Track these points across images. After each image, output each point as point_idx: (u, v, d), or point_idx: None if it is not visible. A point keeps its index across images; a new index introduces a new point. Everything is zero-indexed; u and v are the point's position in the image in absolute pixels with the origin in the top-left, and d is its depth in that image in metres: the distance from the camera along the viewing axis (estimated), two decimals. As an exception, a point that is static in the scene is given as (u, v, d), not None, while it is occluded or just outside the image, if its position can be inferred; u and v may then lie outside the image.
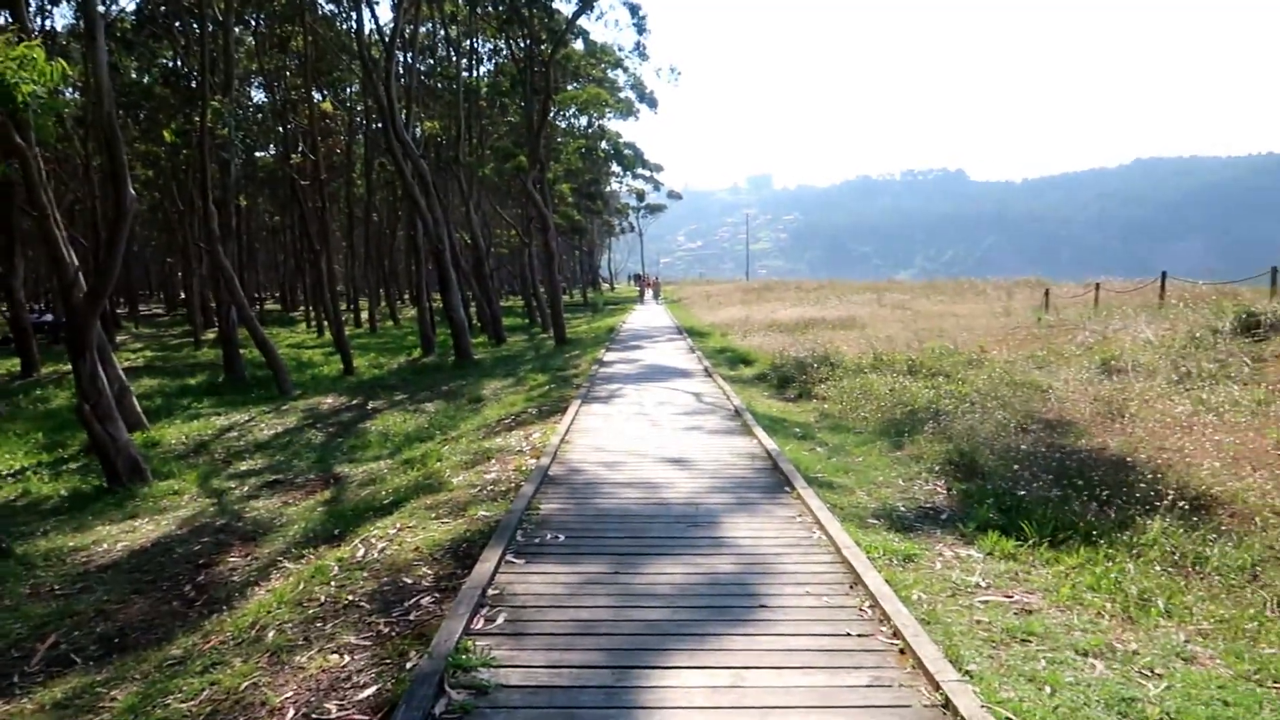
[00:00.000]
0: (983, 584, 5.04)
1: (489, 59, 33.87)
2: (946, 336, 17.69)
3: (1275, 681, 3.74)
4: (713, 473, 7.86)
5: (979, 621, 4.45)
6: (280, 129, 31.13)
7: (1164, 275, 18.04)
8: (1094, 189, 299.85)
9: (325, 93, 32.24)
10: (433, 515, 6.80)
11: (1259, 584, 4.79)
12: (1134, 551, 5.33)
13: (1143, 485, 6.30)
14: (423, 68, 31.40)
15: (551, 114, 33.04)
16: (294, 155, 28.96)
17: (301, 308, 48.56)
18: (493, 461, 8.72)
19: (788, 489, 7.16)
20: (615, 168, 55.05)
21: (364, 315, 41.35)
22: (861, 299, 32.03)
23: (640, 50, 32.25)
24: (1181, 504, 5.90)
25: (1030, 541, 5.68)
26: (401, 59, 25.65)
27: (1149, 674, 3.83)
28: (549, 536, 5.95)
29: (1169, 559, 5.19)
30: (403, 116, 21.67)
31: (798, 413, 11.56)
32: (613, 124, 47.49)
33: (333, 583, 5.43)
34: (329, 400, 17.05)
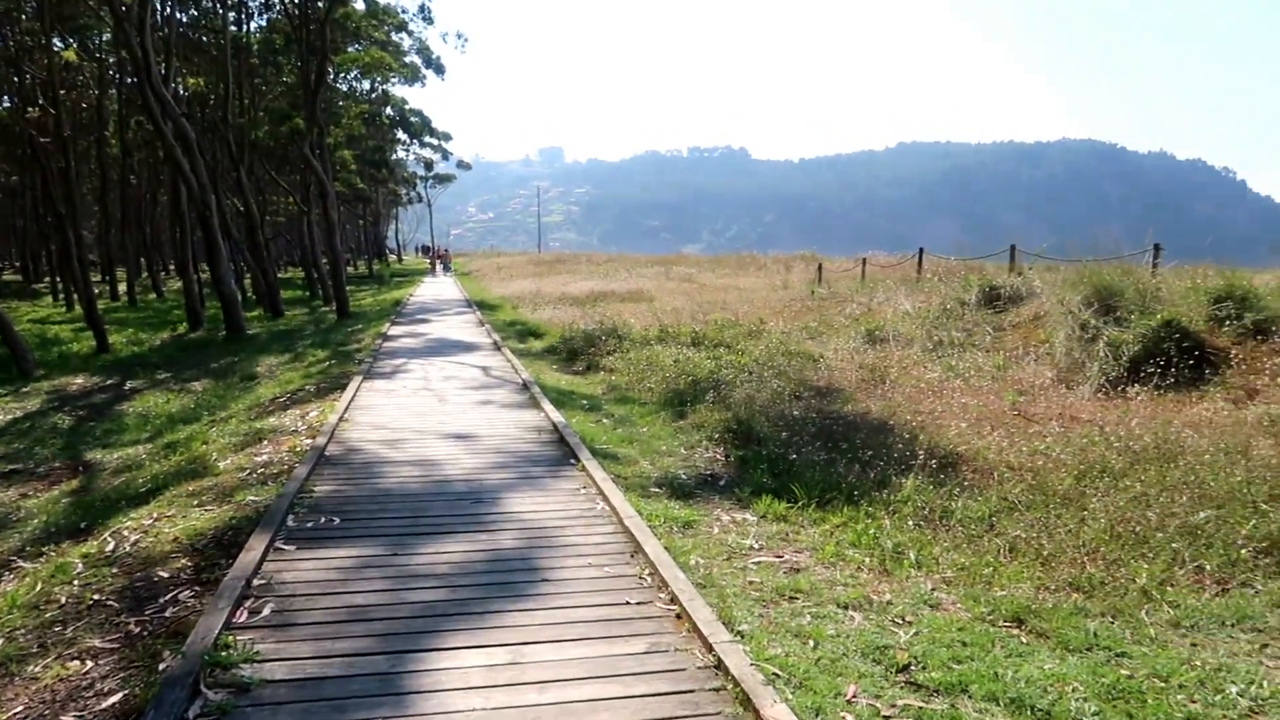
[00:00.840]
0: (756, 546, 5.26)
1: (260, 14, 31.67)
2: (729, 309, 18.40)
3: (1005, 621, 4.12)
4: (498, 448, 7.77)
5: (751, 582, 4.64)
6: (15, 79, 27.78)
7: (921, 251, 19.51)
8: (863, 170, 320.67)
9: (70, 40, 29.05)
10: (195, 502, 6.32)
11: (995, 533, 5.27)
12: (890, 509, 5.73)
13: (899, 446, 6.78)
14: (184, 18, 28.92)
15: (331, 76, 31.38)
16: (31, 109, 25.93)
17: (47, 279, 43.86)
18: (265, 443, 8.22)
19: (573, 461, 7.19)
20: (402, 135, 53.20)
21: (122, 288, 37.83)
22: (650, 272, 32.69)
23: (425, 13, 31.23)
24: (932, 462, 6.40)
25: (800, 503, 5.98)
26: (159, 8, 23.48)
27: (900, 622, 4.12)
28: (323, 520, 5.67)
29: (920, 514, 5.61)
30: (162, 71, 19.85)
31: (586, 385, 11.64)
32: (398, 90, 45.90)
33: (76, 581, 4.93)
34: (79, 381, 15.51)
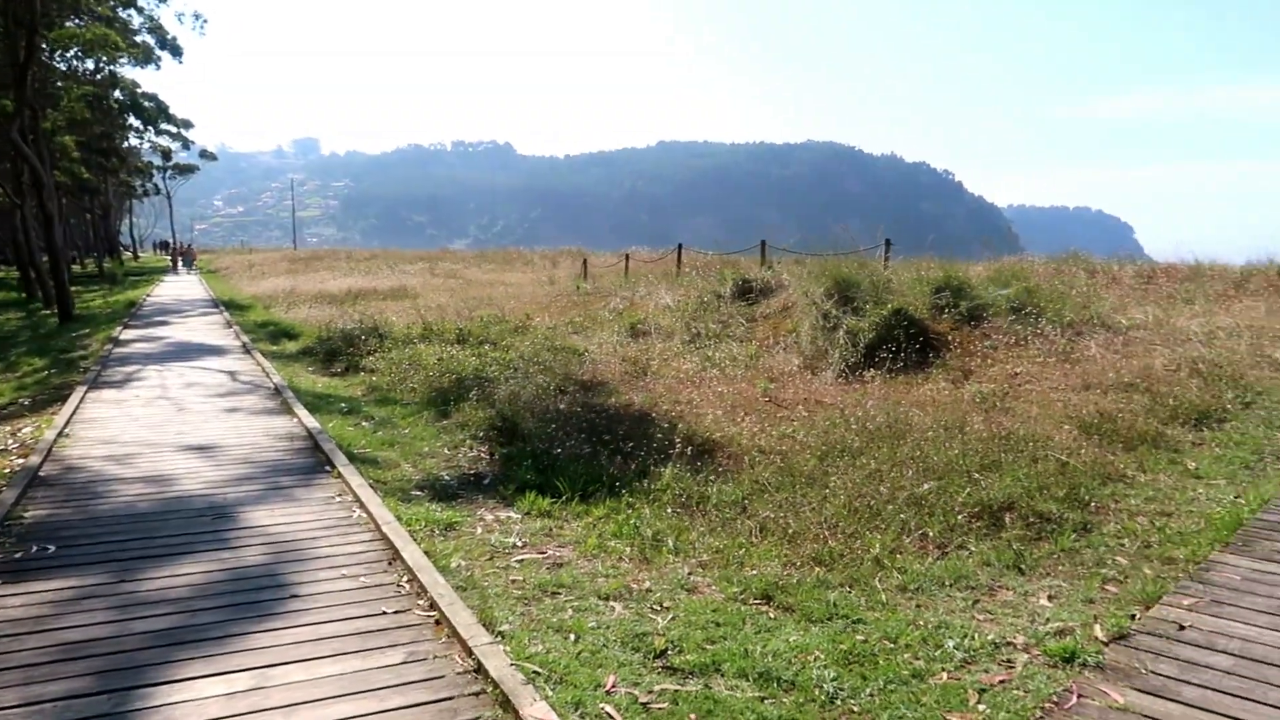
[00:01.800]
0: (520, 544, 5.22)
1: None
2: (495, 305, 18.23)
3: (756, 598, 4.33)
4: (245, 458, 7.27)
5: (514, 581, 4.60)
6: None
7: (680, 247, 20.20)
8: (626, 167, 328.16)
9: None
10: None
11: (747, 515, 5.52)
12: (651, 497, 5.87)
13: (659, 436, 6.97)
14: None
15: (46, 53, 28.17)
16: None
17: None
18: (-38, 466, 7.23)
19: (328, 468, 6.85)
20: (134, 121, 48.54)
21: None
22: (414, 269, 31.84)
23: (155, -11, 28.67)
24: (689, 450, 6.62)
25: (564, 498, 6.00)
26: None
27: (659, 608, 4.23)
28: (34, 549, 5.06)
29: (678, 501, 5.79)
30: None
31: (344, 387, 11.15)
32: (129, 71, 41.78)
33: None
34: None
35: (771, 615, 4.14)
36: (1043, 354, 10.17)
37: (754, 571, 4.65)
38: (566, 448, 6.93)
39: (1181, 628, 3.92)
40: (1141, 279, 18.06)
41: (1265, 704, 3.27)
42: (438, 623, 4.06)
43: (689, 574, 4.69)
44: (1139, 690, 3.38)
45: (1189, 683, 3.44)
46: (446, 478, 6.75)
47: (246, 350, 14.49)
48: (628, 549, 5.05)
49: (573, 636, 3.90)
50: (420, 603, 4.30)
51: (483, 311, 16.63)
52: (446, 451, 7.58)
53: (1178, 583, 4.44)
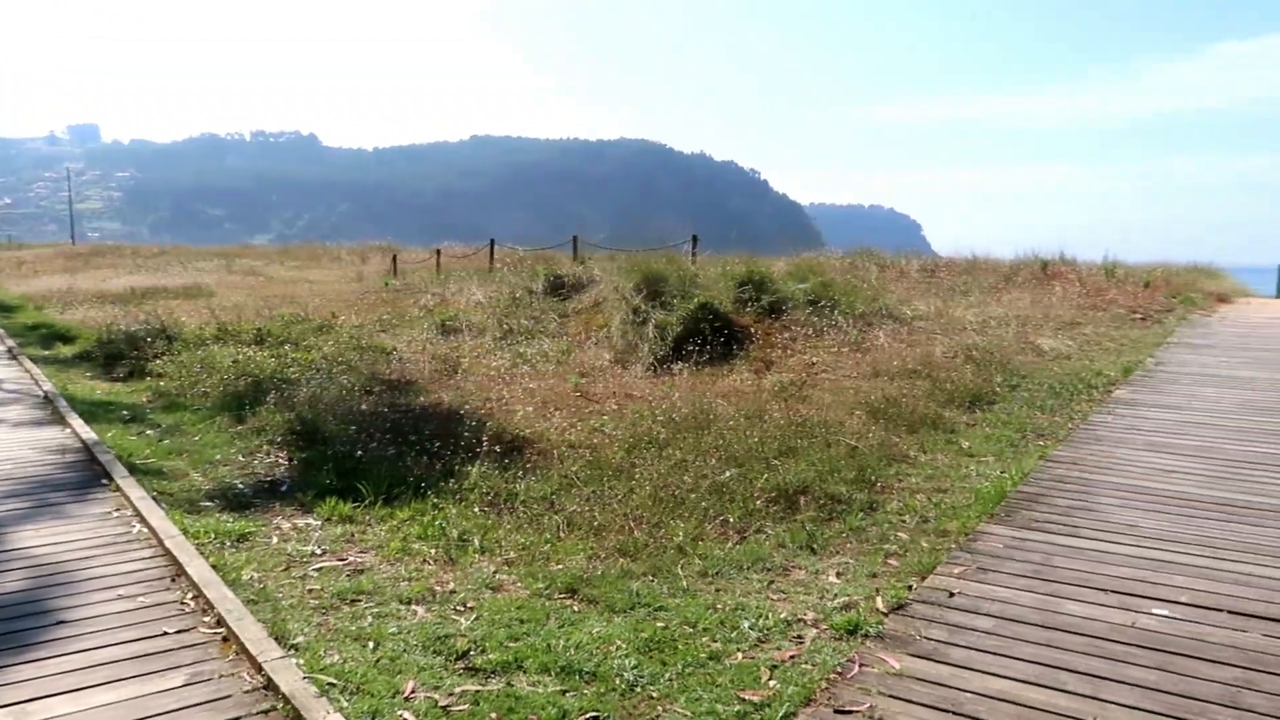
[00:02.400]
0: (318, 551, 5.02)
1: None
2: (298, 303, 17.40)
3: (560, 593, 4.35)
4: (5, 475, 6.62)
5: (311, 590, 4.42)
6: None
7: (492, 242, 20.02)
8: (438, 161, 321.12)
9: None
10: None
11: (555, 510, 5.54)
12: (458, 497, 5.78)
13: (468, 434, 6.87)
14: None
15: None
16: None
17: None
18: None
19: (105, 481, 6.34)
20: None
21: None
22: (210, 265, 29.98)
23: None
24: (497, 448, 6.57)
25: (367, 501, 5.82)
26: None
27: (462, 609, 4.18)
28: None
29: (486, 499, 5.73)
30: None
31: (128, 393, 10.34)
32: None
33: None
34: None
35: (576, 609, 4.17)
36: (837, 344, 10.75)
37: (560, 566, 4.67)
38: (370, 450, 6.71)
39: (951, 595, 4.25)
40: (926, 273, 19.45)
41: (1018, 659, 3.61)
42: (225, 640, 3.84)
43: (494, 572, 4.66)
44: (913, 655, 3.65)
45: (956, 645, 3.74)
46: (240, 486, 6.40)
47: (12, 356, 13.19)
48: (433, 551, 4.96)
49: (372, 644, 3.79)
50: (206, 620, 4.05)
51: (284, 310, 15.83)
52: (241, 458, 7.18)
53: (950, 553, 4.81)
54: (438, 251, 23.90)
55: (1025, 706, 3.25)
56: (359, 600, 4.30)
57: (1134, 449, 7.04)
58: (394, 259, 24.74)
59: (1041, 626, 3.90)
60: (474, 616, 4.08)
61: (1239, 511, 5.50)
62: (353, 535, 5.32)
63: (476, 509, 5.60)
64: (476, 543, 5.05)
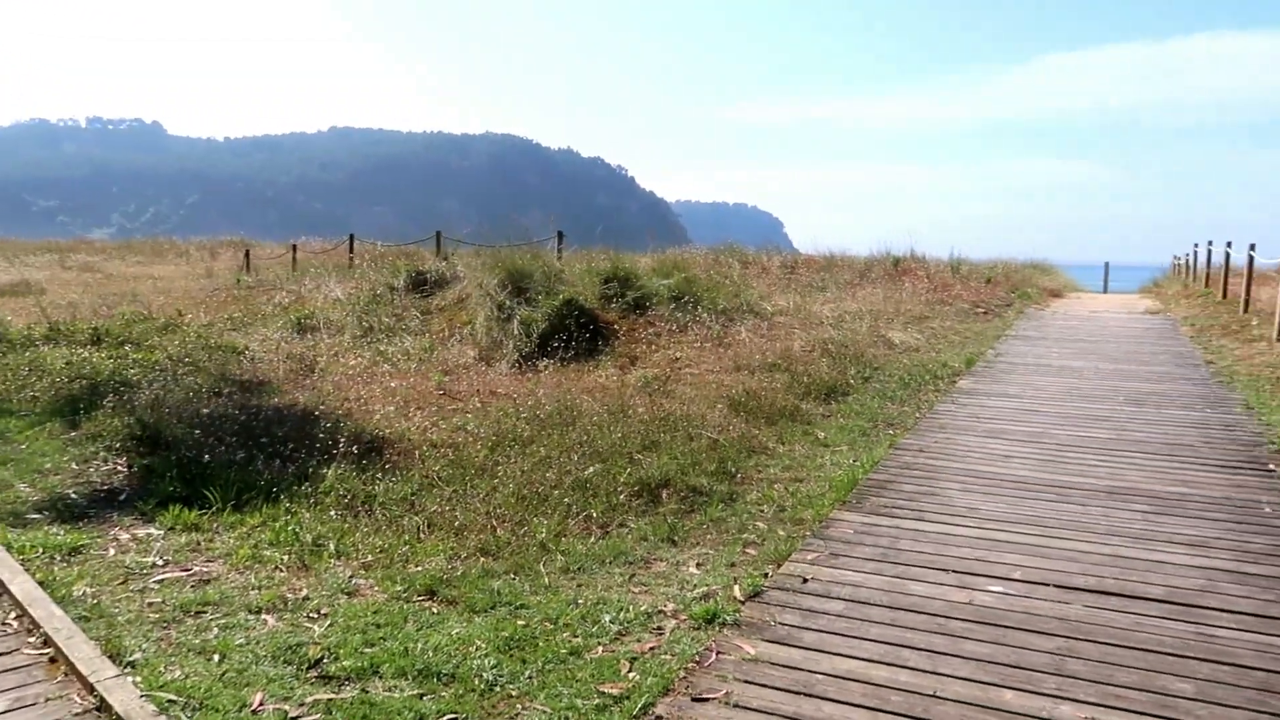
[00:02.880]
0: (160, 562, 4.77)
1: None
2: (141, 301, 16.44)
3: (419, 595, 4.27)
4: None
5: (151, 604, 4.19)
6: None
7: (352, 238, 19.44)
8: (296, 152, 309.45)
9: None
10: None
11: (415, 511, 5.43)
12: (313, 501, 5.59)
13: (323, 436, 6.65)
14: None
15: None
16: None
17: None
18: None
19: (-84, 496, 5.82)
20: None
21: None
22: (41, 261, 27.92)
23: None
24: (355, 449, 6.39)
25: (215, 508, 5.55)
26: None
27: (316, 616, 4.04)
28: None
29: (343, 502, 5.56)
30: None
31: (-57, 399, 9.52)
32: None
33: None
34: None
35: (435, 610, 4.10)
36: (700, 339, 10.95)
37: (419, 568, 4.58)
38: (218, 454, 6.40)
39: (805, 580, 4.40)
40: (786, 269, 20.04)
41: (866, 639, 3.76)
42: (53, 660, 3.60)
43: (351, 577, 4.53)
44: (768, 641, 3.75)
45: (809, 629, 3.87)
46: (74, 496, 6.00)
47: None
48: (285, 557, 4.77)
49: (217, 657, 3.62)
50: (32, 640, 3.78)
51: (125, 309, 14.92)
52: (75, 466, 6.73)
53: (804, 541, 4.97)
54: (294, 247, 23.02)
55: (871, 684, 3.39)
56: (204, 612, 4.10)
57: (975, 436, 7.45)
58: (247, 255, 23.70)
59: (888, 607, 4.08)
60: (328, 623, 3.95)
61: (1067, 492, 5.90)
62: (198, 544, 5.07)
63: (333, 512, 5.43)
64: (332, 547, 4.90)
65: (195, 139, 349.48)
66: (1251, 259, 15.97)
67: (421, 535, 5.09)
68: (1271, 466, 6.48)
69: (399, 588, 4.33)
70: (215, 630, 3.89)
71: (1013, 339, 13.56)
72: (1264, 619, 3.99)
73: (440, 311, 12.85)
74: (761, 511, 5.57)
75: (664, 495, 5.75)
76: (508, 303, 11.47)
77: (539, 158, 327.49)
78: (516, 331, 10.82)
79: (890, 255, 21.99)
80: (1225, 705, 3.28)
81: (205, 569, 4.68)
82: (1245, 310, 15.20)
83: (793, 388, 8.86)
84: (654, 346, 10.79)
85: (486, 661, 3.54)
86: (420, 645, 3.68)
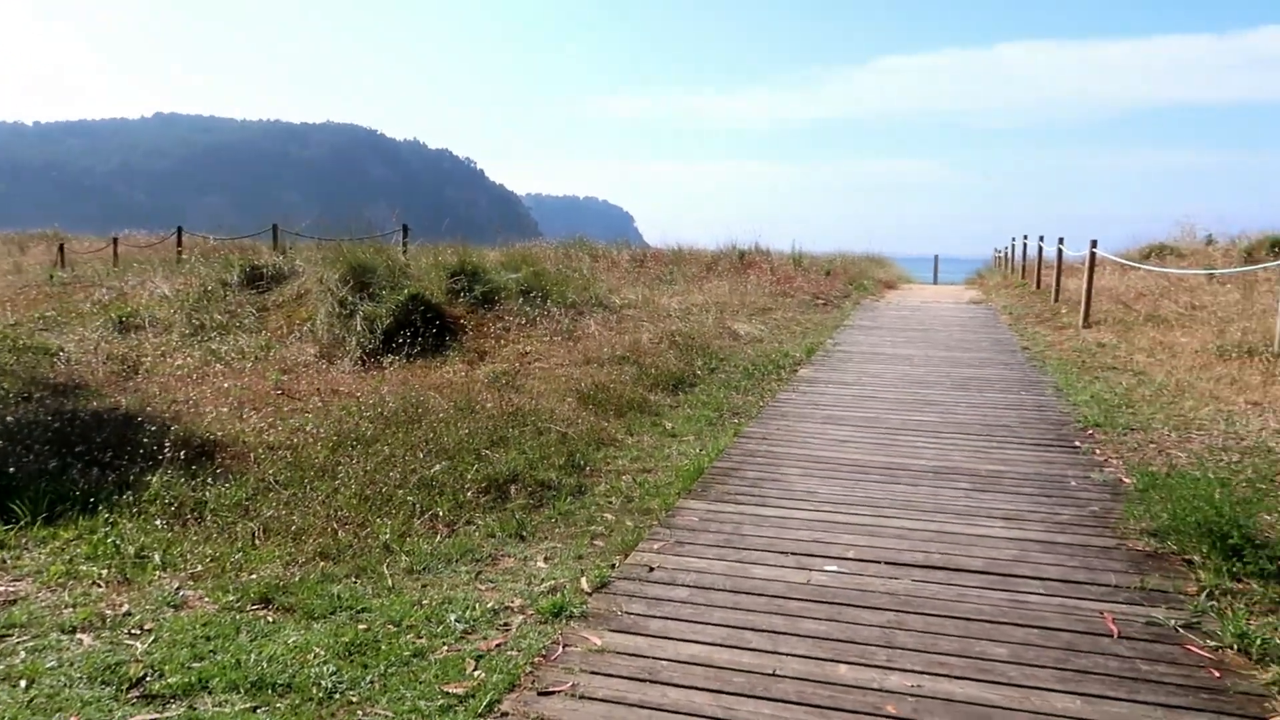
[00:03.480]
0: (-43, 584, 4.37)
1: None
2: (-66, 300, 15.03)
3: (253, 604, 4.08)
4: None
5: (-54, 631, 3.84)
6: None
7: (180, 230, 18.37)
8: (116, 140, 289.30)
9: None
10: None
11: (249, 517, 5.18)
12: (135, 510, 5.25)
13: (148, 441, 6.26)
14: None
15: None
16: None
17: None
18: None
19: None
20: None
21: None
22: None
23: None
24: (184, 454, 6.04)
25: (23, 523, 5.13)
26: None
27: (139, 632, 3.80)
28: None
29: (170, 511, 5.25)
30: None
31: None
32: None
33: None
34: None
35: (270, 619, 3.93)
36: (549, 333, 10.93)
37: (254, 576, 4.37)
38: (26, 464, 5.91)
39: (651, 569, 4.46)
40: (636, 263, 20.26)
41: (709, 623, 3.86)
42: None
43: (178, 589, 4.28)
44: (614, 631, 3.79)
45: (654, 616, 3.93)
46: None
47: None
48: (104, 571, 4.46)
49: (24, 683, 3.35)
50: None
51: (-84, 308, 13.61)
52: None
53: (651, 530, 5.04)
54: (115, 240, 21.53)
55: (715, 667, 3.48)
56: (9, 635, 3.78)
57: (814, 422, 7.75)
58: (61, 248, 22.02)
59: (731, 591, 4.20)
60: (152, 639, 3.72)
61: (898, 473, 6.22)
62: (4, 562, 4.67)
63: (158, 522, 5.11)
64: (157, 559, 4.61)
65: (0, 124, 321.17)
66: (1060, 252, 17.26)
67: (256, 541, 4.87)
68: (1077, 443, 7.03)
69: (231, 597, 4.13)
70: (22, 654, 3.60)
71: (850, 329, 14.17)
72: (1069, 584, 4.33)
73: (278, 308, 12.31)
74: (610, 503, 5.61)
75: (512, 491, 5.71)
76: (350, 298, 11.10)
77: (384, 149, 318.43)
78: (360, 328, 10.49)
79: (736, 249, 22.58)
80: (1035, 665, 3.54)
81: (11, 589, 4.32)
82: (1056, 299, 16.43)
83: (641, 380, 8.96)
84: (503, 341, 10.69)
85: (325, 669, 3.43)
86: (254, 656, 3.52)
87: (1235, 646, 3.64)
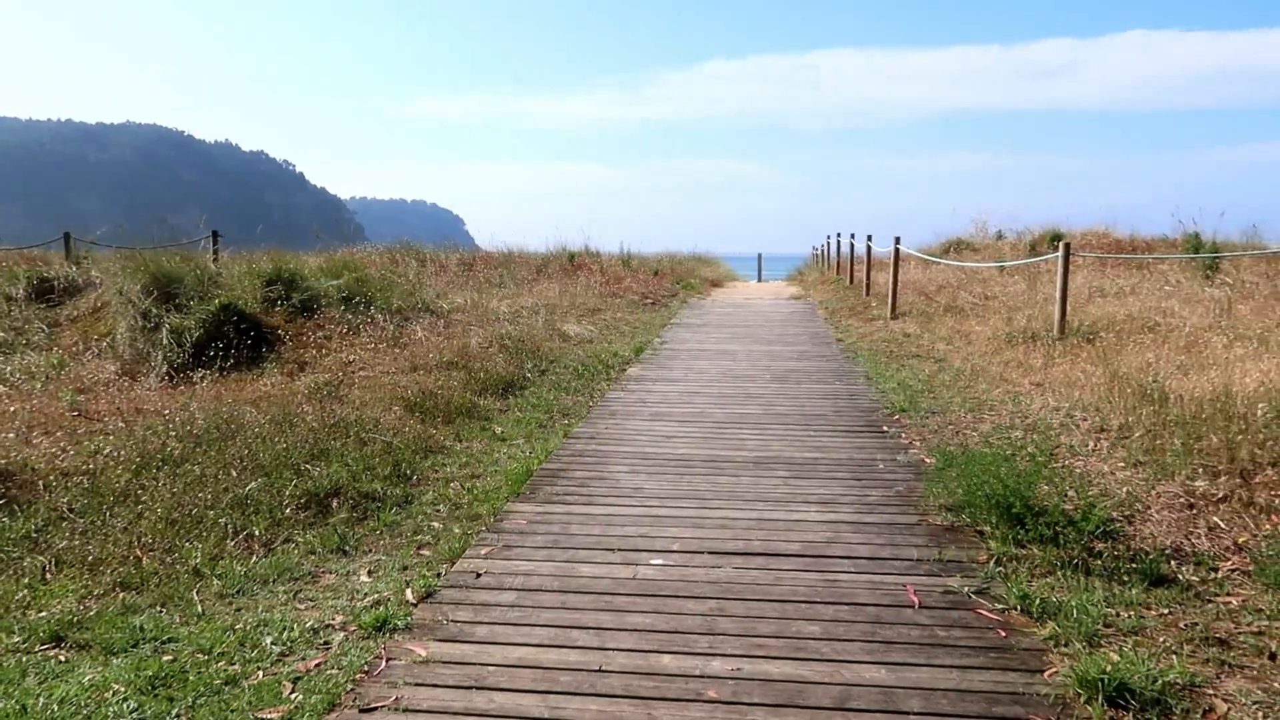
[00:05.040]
0: None
1: None
2: None
3: (43, 644, 3.77)
4: None
5: None
6: None
7: (-45, 241, 16.72)
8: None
9: None
10: None
11: (39, 549, 4.79)
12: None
13: (-84, 474, 5.68)
14: None
15: None
16: None
17: None
18: None
19: None
20: None
21: None
22: None
23: None
24: (-40, 486, 5.52)
25: None
26: None
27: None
28: None
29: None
30: None
31: None
32: None
33: None
34: None
35: (63, 659, 3.65)
36: (374, 340, 10.63)
37: (43, 614, 4.05)
38: None
39: (479, 575, 4.43)
40: (465, 266, 19.98)
41: (537, 625, 3.87)
42: None
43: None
44: (440, 640, 3.74)
45: (481, 623, 3.91)
46: None
47: None
48: None
49: None
50: None
51: None
52: None
53: (479, 536, 5.01)
54: (-124, 253, 19.32)
55: (542, 668, 3.50)
56: None
57: (642, 419, 7.90)
58: None
59: (559, 591, 4.23)
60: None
61: (723, 465, 6.42)
62: None
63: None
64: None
65: None
66: (870, 249, 18.27)
67: (47, 576, 4.51)
68: (885, 428, 7.47)
69: (17, 639, 3.81)
70: None
71: (677, 327, 14.51)
72: (877, 560, 4.61)
73: (72, 323, 11.43)
74: (437, 511, 5.53)
75: (334, 505, 5.53)
76: (154, 310, 10.43)
77: (193, 151, 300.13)
78: (166, 341, 9.87)
79: (566, 251, 22.68)
80: (845, 640, 3.74)
81: None
82: (867, 294, 17.38)
83: (470, 384, 8.86)
84: (324, 350, 10.31)
85: (125, 706, 3.22)
86: (43, 700, 3.26)
87: (1019, 607, 3.97)
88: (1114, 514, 4.97)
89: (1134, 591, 4.06)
